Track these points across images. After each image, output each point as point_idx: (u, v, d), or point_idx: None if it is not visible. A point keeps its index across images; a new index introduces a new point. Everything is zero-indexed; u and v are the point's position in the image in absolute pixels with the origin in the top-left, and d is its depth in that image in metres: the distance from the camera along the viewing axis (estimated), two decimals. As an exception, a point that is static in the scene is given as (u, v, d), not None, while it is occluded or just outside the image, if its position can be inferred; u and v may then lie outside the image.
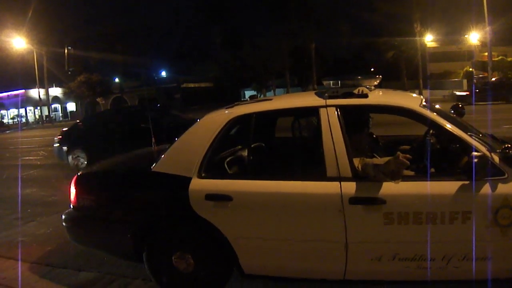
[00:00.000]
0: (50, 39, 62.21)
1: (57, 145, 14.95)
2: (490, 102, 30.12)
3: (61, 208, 5.22)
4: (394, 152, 3.92)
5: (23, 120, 73.69)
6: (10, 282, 5.44)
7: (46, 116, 67.98)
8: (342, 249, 3.98)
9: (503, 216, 3.68)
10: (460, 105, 5.31)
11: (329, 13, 56.93)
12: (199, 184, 4.30)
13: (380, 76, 4.56)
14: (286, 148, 5.38)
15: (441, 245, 3.84)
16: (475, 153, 3.69)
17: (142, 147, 6.26)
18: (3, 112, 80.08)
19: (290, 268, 4.29)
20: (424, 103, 4.30)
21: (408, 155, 3.80)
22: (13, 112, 78.59)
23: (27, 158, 19.66)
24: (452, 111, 5.15)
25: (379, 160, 4.11)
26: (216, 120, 4.55)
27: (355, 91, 4.24)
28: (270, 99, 4.82)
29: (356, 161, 4.08)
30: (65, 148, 14.46)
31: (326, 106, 4.22)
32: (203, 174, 4.35)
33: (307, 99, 4.66)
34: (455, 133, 3.97)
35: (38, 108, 69.09)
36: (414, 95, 4.78)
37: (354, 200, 3.88)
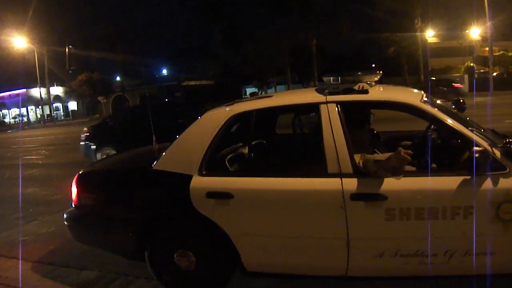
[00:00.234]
0: (51, 38, 62.33)
1: (84, 142, 14.12)
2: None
3: (63, 207, 5.23)
4: (395, 148, 3.90)
5: (25, 119, 73.83)
6: (12, 281, 5.45)
7: (47, 115, 67.98)
8: (343, 245, 3.97)
9: (505, 211, 3.67)
10: (461, 100, 5.29)
11: (330, 9, 56.76)
12: (200, 182, 4.29)
13: (381, 71, 4.54)
14: (287, 145, 5.38)
15: (443, 241, 3.83)
16: (476, 148, 3.68)
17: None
18: (5, 111, 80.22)
19: (292, 265, 4.28)
20: (425, 99, 4.29)
21: (409, 151, 3.79)
22: (14, 111, 78.74)
23: (29, 157, 19.71)
24: (453, 106, 5.13)
25: (380, 156, 4.10)
26: (216, 117, 4.54)
27: (356, 87, 4.23)
28: (270, 96, 4.82)
29: (357, 157, 4.07)
30: (93, 146, 13.65)
31: (326, 103, 4.20)
32: (204, 172, 4.34)
33: (308, 95, 4.65)
34: (456, 128, 3.95)
35: (40, 107, 69.05)
36: (415, 90, 4.75)
37: (355, 196, 3.87)
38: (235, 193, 4.17)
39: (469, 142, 3.82)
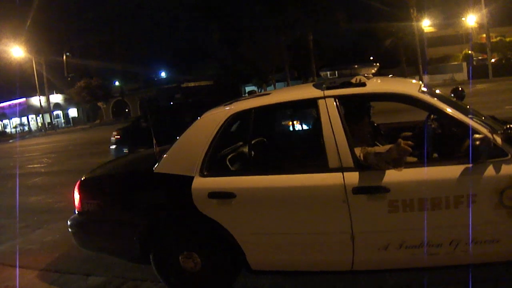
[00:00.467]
0: (48, 46, 62.39)
1: (115, 146, 13.48)
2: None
3: (67, 214, 5.23)
4: (396, 140, 3.89)
5: (26, 128, 73.86)
6: (20, 291, 5.44)
7: (48, 123, 68.03)
8: (348, 239, 3.96)
9: (508, 198, 3.64)
10: (460, 89, 5.27)
11: (325, 3, 56.64)
12: (202, 183, 4.28)
13: (378, 64, 4.52)
14: (287, 141, 5.36)
15: (448, 230, 3.81)
16: (476, 135, 3.65)
17: None
18: (5, 121, 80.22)
19: (298, 261, 4.27)
20: (423, 89, 4.27)
21: (409, 142, 3.78)
22: (15, 121, 78.70)
23: (31, 166, 19.76)
24: (452, 95, 5.11)
25: (381, 148, 4.09)
26: (215, 117, 4.52)
27: (353, 80, 4.21)
28: (269, 94, 4.80)
29: (358, 151, 4.05)
30: (125, 149, 12.82)
31: (324, 97, 4.18)
32: (205, 173, 4.33)
33: (305, 91, 4.62)
34: (455, 116, 3.93)
35: (40, 115, 69.11)
36: (414, 81, 4.73)
37: (357, 190, 3.86)
38: (237, 192, 4.15)
39: (469, 130, 3.79)
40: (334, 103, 4.13)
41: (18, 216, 9.28)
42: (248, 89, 59.64)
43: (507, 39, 52.49)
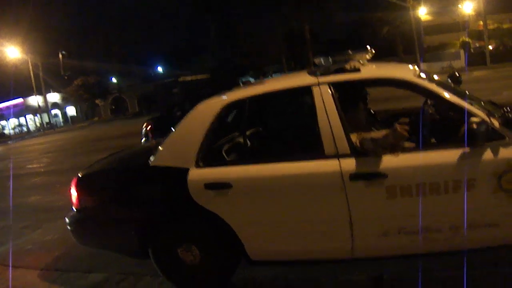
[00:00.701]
0: (44, 45, 62.35)
1: (146, 138, 13.05)
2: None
3: (66, 213, 5.21)
4: (392, 125, 3.86)
5: (24, 129, 73.81)
6: (21, 291, 5.42)
7: (46, 123, 68.04)
8: (347, 227, 3.94)
9: (507, 181, 3.62)
10: (457, 74, 5.24)
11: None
12: (198, 174, 4.25)
13: (372, 49, 4.49)
14: (283, 130, 5.33)
15: (447, 215, 3.79)
16: (473, 119, 3.63)
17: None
18: (3, 123, 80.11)
19: (297, 251, 4.25)
20: (419, 73, 4.24)
21: (406, 127, 3.75)
22: (13, 122, 78.64)
23: (31, 166, 19.77)
24: (449, 80, 5.08)
25: (377, 134, 4.06)
26: (209, 108, 4.48)
27: (347, 66, 4.17)
28: (263, 82, 4.77)
29: (354, 137, 4.02)
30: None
31: (318, 84, 4.14)
32: (200, 164, 4.29)
33: (300, 79, 4.58)
34: (452, 100, 3.90)
35: (38, 115, 69.05)
36: (410, 66, 4.69)
37: (354, 176, 3.83)
38: (233, 182, 4.13)
39: (466, 114, 3.76)
40: (329, 90, 4.10)
41: (19, 216, 9.31)
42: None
43: (504, 26, 52.49)
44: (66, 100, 74.81)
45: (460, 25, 54.97)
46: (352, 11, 57.09)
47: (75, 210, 5.05)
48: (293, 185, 4.02)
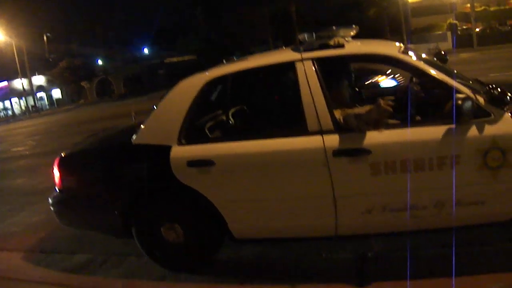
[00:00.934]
0: (28, 27, 61.52)
1: None
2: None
3: (51, 194, 5.16)
4: (376, 101, 3.84)
5: (9, 112, 73.05)
6: (6, 273, 5.41)
7: (32, 106, 67.31)
8: (330, 204, 3.92)
9: (492, 158, 3.62)
10: (443, 52, 5.22)
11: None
12: (180, 152, 4.21)
13: (357, 26, 4.44)
14: (266, 106, 5.28)
15: (432, 192, 3.79)
16: (458, 95, 3.60)
17: None
18: (-13, 106, 79.23)
19: (280, 228, 4.24)
20: (404, 50, 4.21)
21: (390, 102, 3.72)
22: (-2, 105, 77.78)
23: (15, 149, 19.60)
24: (435, 58, 5.05)
25: (361, 110, 4.03)
26: (192, 84, 4.42)
27: (331, 42, 4.13)
28: (246, 59, 4.72)
29: (338, 113, 4.00)
30: None
31: (302, 60, 4.10)
32: (183, 141, 4.25)
33: (283, 55, 4.54)
34: (437, 77, 3.88)
35: (23, 98, 68.30)
36: (396, 43, 4.65)
37: (337, 153, 3.80)
38: (216, 159, 4.09)
39: (452, 90, 3.73)
40: (312, 66, 4.06)
41: (3, 199, 9.30)
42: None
43: (491, 9, 52.46)
44: (52, 83, 74.03)
45: (447, 7, 54.86)
46: (339, -7, 56.67)
47: (57, 190, 4.99)
48: (276, 161, 3.99)
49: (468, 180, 3.67)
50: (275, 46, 62.08)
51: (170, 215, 4.46)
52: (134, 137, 4.54)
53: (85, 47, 73.82)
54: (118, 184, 4.59)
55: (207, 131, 4.66)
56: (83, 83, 72.16)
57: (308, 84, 3.99)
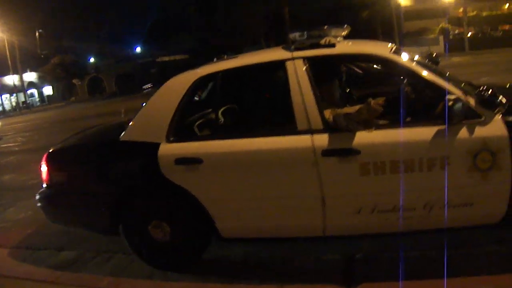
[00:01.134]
0: (21, 23, 61.16)
1: None
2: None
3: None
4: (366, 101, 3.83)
5: (0, 108, 72.68)
6: (-9, 269, 5.33)
7: (22, 102, 67.06)
8: (319, 204, 3.90)
9: (482, 160, 3.61)
10: (435, 54, 5.22)
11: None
12: (168, 149, 4.18)
13: (348, 25, 4.43)
14: (256, 105, 5.26)
15: (421, 194, 3.77)
16: (449, 96, 3.60)
17: None
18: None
19: (268, 228, 4.22)
20: (396, 50, 4.20)
21: (380, 101, 3.71)
22: (-12, 102, 77.34)
23: (5, 145, 19.48)
24: (427, 60, 5.04)
25: (351, 109, 4.03)
26: (181, 81, 4.41)
27: (322, 42, 4.11)
28: (236, 57, 4.70)
29: (328, 113, 3.99)
30: None
31: (292, 59, 4.09)
32: (171, 138, 4.22)
33: (274, 53, 4.53)
34: (428, 78, 3.87)
35: (14, 95, 68.07)
36: (389, 44, 4.64)
37: (327, 152, 3.78)
38: (204, 157, 4.06)
39: (442, 91, 3.73)
40: (303, 65, 4.04)
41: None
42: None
43: (484, 14, 52.81)
44: (43, 80, 73.79)
45: (440, 11, 55.10)
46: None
47: (45, 186, 4.95)
48: (264, 160, 3.97)
49: (458, 181, 3.66)
50: (267, 46, 62.16)
51: (157, 213, 4.42)
52: (122, 133, 4.50)
53: (77, 44, 73.68)
54: (105, 181, 4.56)
55: (196, 129, 4.64)
56: (74, 81, 72.01)
57: (298, 83, 3.97)
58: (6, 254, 5.76)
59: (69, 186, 4.81)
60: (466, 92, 3.79)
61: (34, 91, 77.87)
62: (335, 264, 4.34)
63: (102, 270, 4.92)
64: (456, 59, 34.18)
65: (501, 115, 3.66)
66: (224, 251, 4.78)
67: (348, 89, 5.42)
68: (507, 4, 55.02)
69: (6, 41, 58.85)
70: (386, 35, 51.66)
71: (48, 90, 79.38)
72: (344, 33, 4.39)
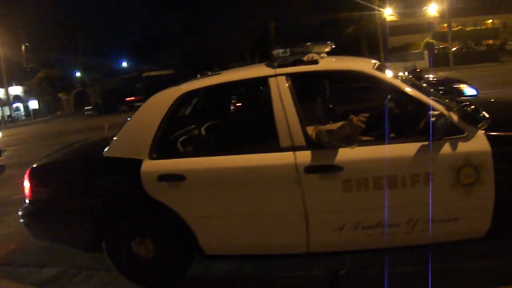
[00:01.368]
0: (6, 37, 60.83)
1: None
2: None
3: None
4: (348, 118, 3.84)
5: (-16, 122, 72.19)
6: (-29, 287, 5.26)
7: (7, 116, 66.66)
8: (302, 221, 3.89)
9: (466, 175, 3.63)
10: (418, 70, 5.26)
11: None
12: (151, 166, 4.16)
13: (332, 42, 4.45)
14: (239, 122, 5.27)
15: (405, 210, 3.78)
16: (432, 112, 3.63)
17: None
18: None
19: (251, 245, 4.20)
20: (379, 66, 4.22)
21: (362, 118, 3.72)
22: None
23: (-12, 160, 19.27)
24: (410, 76, 5.08)
25: (333, 126, 4.03)
26: (164, 98, 4.40)
27: (305, 58, 4.13)
28: (219, 73, 4.70)
29: (310, 130, 3.98)
30: None
31: (275, 76, 4.10)
32: (154, 155, 4.20)
33: (256, 70, 4.54)
34: (411, 93, 3.91)
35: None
36: (373, 60, 4.67)
37: (309, 169, 3.78)
38: (187, 174, 4.04)
39: (426, 108, 3.75)
40: (286, 81, 4.05)
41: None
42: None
43: (468, 29, 53.53)
44: (29, 94, 73.44)
45: (425, 27, 55.72)
46: (318, 9, 57.01)
47: (28, 202, 4.89)
48: (247, 177, 3.96)
49: (441, 197, 3.68)
50: (252, 62, 62.38)
51: (140, 230, 4.39)
52: (105, 149, 4.47)
53: (63, 58, 73.46)
54: (88, 197, 4.51)
55: (179, 146, 4.61)
56: (60, 95, 71.76)
57: (281, 100, 3.98)
58: (-13, 271, 5.65)
59: (51, 202, 4.75)
60: (449, 108, 3.82)
61: (19, 105, 77.38)
62: (319, 280, 4.33)
63: (84, 287, 4.86)
64: (441, 73, 34.39)
65: (483, 130, 3.69)
66: (208, 268, 4.75)
67: (331, 106, 5.43)
68: (491, 20, 55.84)
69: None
70: (371, 51, 52.10)
71: (33, 104, 78.96)
72: (327, 50, 4.41)
